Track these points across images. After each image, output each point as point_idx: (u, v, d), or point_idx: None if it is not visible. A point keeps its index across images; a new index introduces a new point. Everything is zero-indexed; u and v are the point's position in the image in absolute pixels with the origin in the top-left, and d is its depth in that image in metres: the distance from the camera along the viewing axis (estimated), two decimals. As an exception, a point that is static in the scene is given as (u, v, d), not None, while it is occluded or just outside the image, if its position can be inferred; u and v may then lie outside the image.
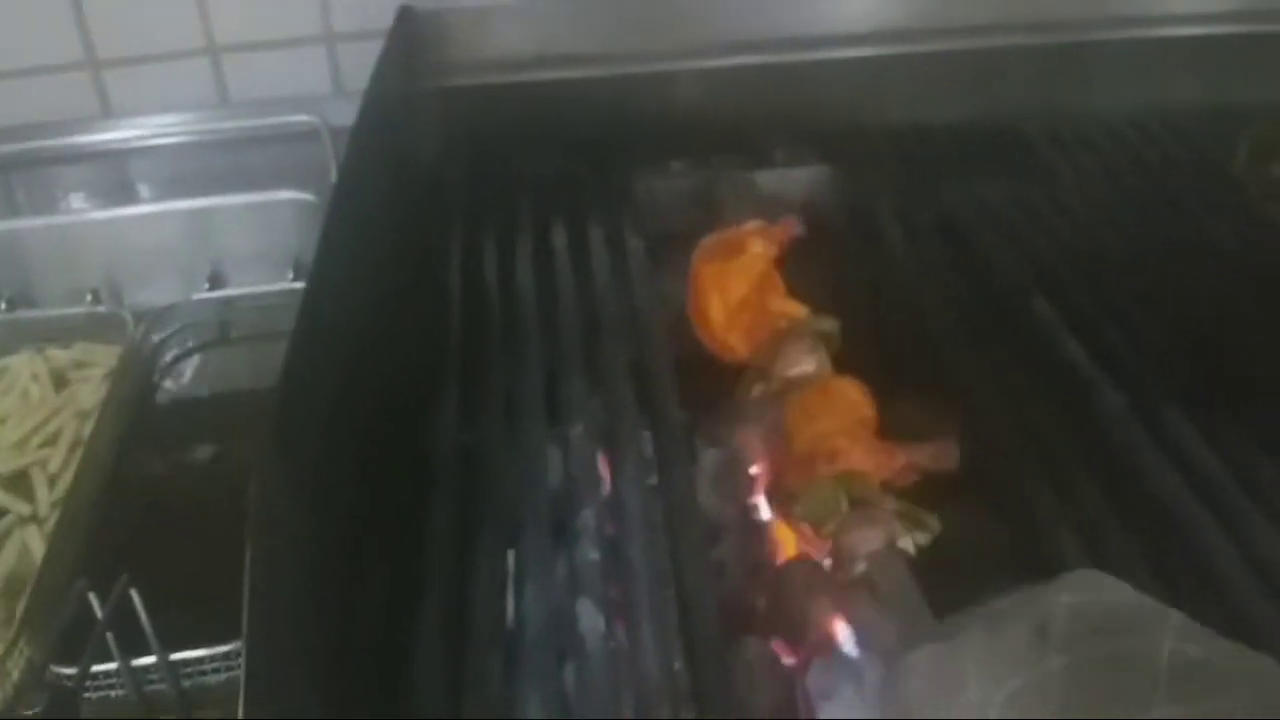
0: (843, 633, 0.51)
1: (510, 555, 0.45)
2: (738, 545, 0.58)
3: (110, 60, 0.84)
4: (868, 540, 0.45)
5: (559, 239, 0.62)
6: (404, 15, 0.63)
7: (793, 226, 0.59)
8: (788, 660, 0.52)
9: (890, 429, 0.59)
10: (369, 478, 0.46)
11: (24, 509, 0.64)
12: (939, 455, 0.48)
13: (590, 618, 0.43)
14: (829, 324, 0.54)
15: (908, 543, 0.46)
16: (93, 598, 0.50)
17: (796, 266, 0.62)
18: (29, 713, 0.48)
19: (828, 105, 0.72)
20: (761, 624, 0.53)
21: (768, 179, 0.70)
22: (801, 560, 0.53)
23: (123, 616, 0.50)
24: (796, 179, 0.70)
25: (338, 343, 0.45)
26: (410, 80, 0.65)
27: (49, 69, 0.82)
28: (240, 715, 0.31)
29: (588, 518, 0.46)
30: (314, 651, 0.37)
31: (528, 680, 0.40)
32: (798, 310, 0.56)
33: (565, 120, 0.69)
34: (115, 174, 0.84)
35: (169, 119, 0.84)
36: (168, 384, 0.73)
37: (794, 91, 0.72)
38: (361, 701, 0.40)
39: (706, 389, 0.58)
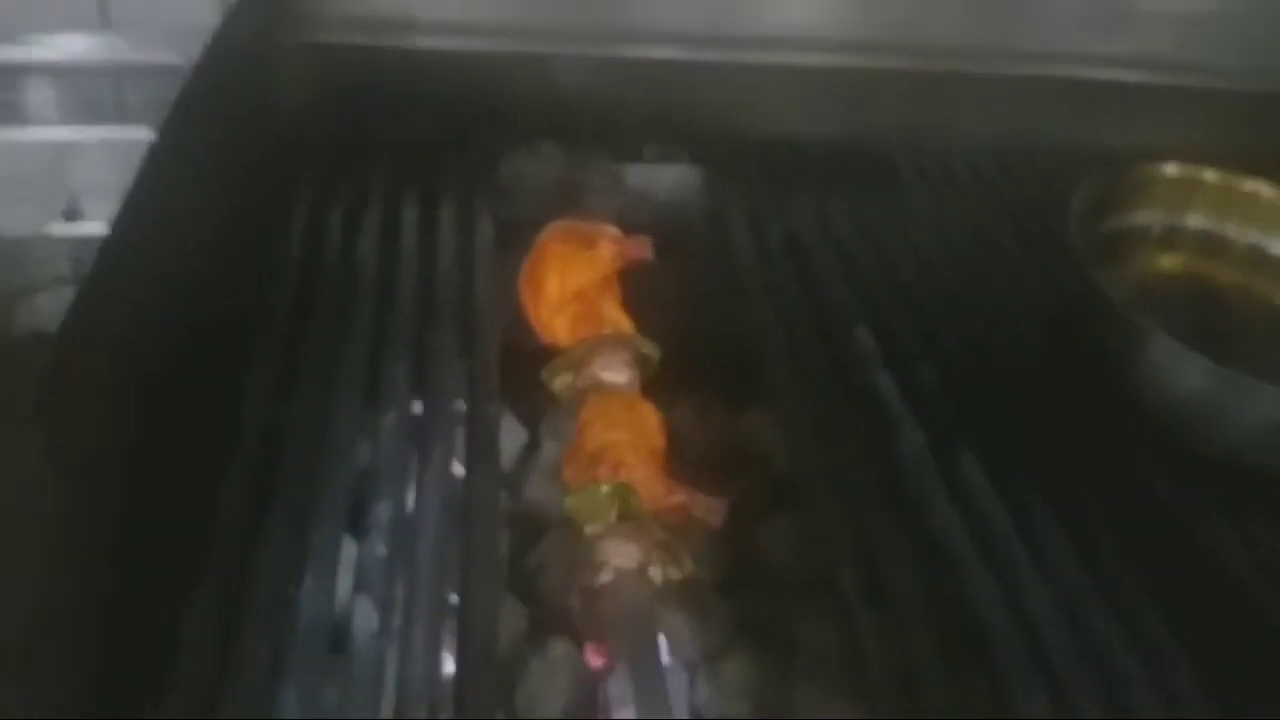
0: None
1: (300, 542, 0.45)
2: (558, 544, 0.58)
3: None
4: (623, 554, 0.46)
5: (409, 213, 0.61)
6: (269, -37, 0.61)
7: (643, 248, 0.60)
8: (595, 663, 0.52)
9: (702, 439, 0.60)
10: (159, 449, 0.44)
11: None
12: (709, 509, 0.49)
13: (365, 614, 0.42)
14: (651, 348, 0.55)
15: (658, 573, 0.47)
16: None
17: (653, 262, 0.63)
18: None
19: (703, 108, 0.72)
20: (576, 626, 0.53)
21: (635, 174, 0.69)
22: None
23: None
24: (663, 177, 0.70)
25: (136, 298, 0.44)
26: (271, 31, 0.63)
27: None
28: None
29: (383, 510, 0.46)
30: (69, 641, 0.37)
31: (291, 675, 0.40)
32: (626, 325, 0.56)
33: (435, 90, 0.67)
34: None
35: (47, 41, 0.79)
36: (21, 320, 0.71)
37: (672, 90, 0.71)
38: (121, 691, 0.39)
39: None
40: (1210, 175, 0.58)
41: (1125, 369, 0.52)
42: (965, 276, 0.60)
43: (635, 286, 0.62)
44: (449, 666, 0.41)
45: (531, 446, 0.64)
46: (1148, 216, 0.59)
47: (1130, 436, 0.52)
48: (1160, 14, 0.74)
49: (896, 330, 0.56)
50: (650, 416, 0.53)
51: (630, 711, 0.49)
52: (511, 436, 0.64)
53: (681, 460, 0.57)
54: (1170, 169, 0.58)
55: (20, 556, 0.34)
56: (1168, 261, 0.60)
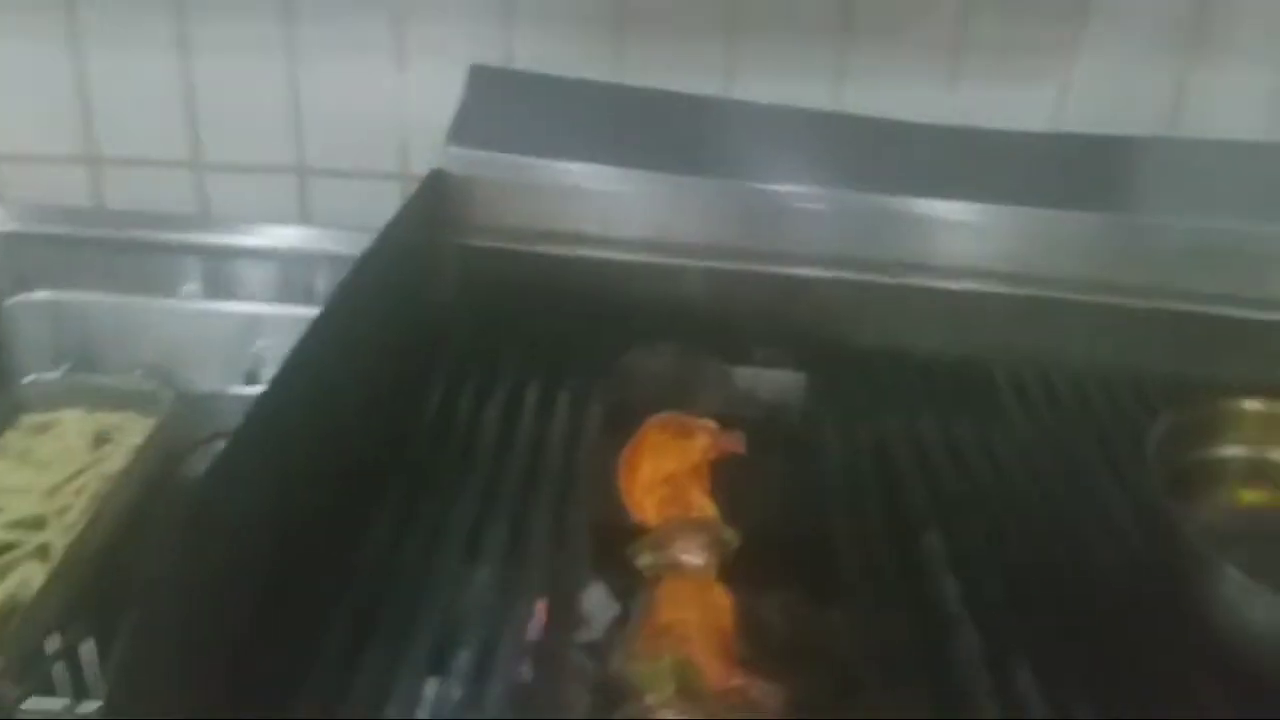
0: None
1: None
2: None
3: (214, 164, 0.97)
4: (677, 726, 0.49)
5: (531, 396, 0.69)
6: (435, 176, 0.73)
7: (736, 443, 0.65)
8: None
9: (774, 629, 0.63)
10: (284, 578, 0.52)
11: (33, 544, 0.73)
12: (766, 694, 0.51)
13: (432, 748, 0.47)
14: (731, 535, 0.59)
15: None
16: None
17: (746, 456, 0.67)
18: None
19: (814, 318, 0.78)
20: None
21: (743, 375, 0.76)
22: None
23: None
24: (769, 380, 0.75)
25: (279, 446, 0.52)
26: (431, 231, 0.74)
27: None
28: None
29: (464, 658, 0.51)
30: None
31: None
32: (710, 511, 0.61)
33: (567, 291, 0.77)
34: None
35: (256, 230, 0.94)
36: (194, 462, 0.81)
37: (785, 301, 0.78)
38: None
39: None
40: (1294, 410, 0.59)
41: (1193, 599, 0.52)
42: (1044, 493, 0.62)
43: (727, 477, 0.67)
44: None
45: (621, 620, 0.68)
46: (1232, 450, 0.60)
47: (1196, 664, 0.51)
48: (1270, 254, 0.76)
49: (967, 538, 0.58)
50: (721, 600, 0.57)
51: None
52: (604, 609, 0.68)
53: (751, 646, 0.60)
54: (1254, 404, 0.60)
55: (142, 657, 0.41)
56: (1251, 495, 0.60)
